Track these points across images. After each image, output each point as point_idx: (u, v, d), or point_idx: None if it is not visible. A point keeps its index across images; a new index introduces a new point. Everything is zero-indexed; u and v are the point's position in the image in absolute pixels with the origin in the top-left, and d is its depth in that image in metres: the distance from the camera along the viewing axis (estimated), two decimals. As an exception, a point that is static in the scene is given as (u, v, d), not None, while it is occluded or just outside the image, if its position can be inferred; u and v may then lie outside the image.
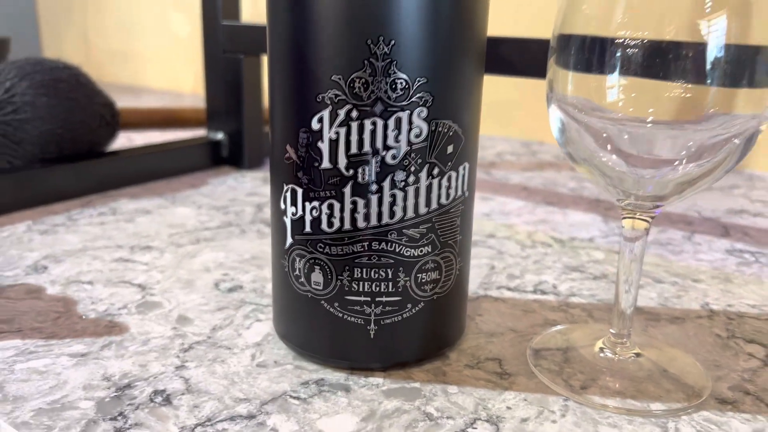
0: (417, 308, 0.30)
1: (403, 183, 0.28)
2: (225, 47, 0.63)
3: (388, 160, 0.28)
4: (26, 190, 0.53)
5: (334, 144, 0.28)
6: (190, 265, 0.43)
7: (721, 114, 0.26)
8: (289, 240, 0.30)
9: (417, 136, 0.28)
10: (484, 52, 0.30)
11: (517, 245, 0.48)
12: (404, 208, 0.28)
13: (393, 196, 0.28)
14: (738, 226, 0.54)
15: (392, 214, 0.28)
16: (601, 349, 0.32)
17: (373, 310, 0.29)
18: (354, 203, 0.28)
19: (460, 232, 0.31)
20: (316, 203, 0.29)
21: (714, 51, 0.25)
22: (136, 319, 0.35)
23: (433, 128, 0.28)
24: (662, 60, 0.26)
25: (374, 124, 0.27)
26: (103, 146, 0.61)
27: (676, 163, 0.28)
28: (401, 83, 0.27)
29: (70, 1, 1.45)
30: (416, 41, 0.27)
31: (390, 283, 0.29)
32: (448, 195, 0.29)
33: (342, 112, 0.27)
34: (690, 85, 0.26)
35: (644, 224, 0.30)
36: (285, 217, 0.30)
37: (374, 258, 0.29)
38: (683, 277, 0.43)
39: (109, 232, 0.48)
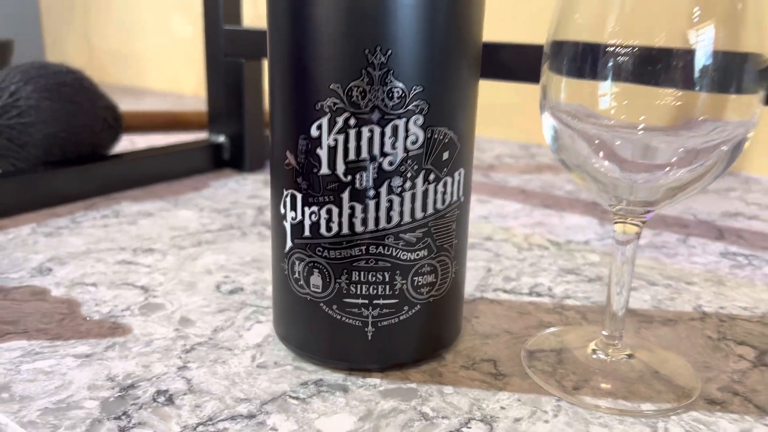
0: (413, 311, 0.31)
1: (399, 189, 0.29)
2: (226, 51, 0.64)
3: (385, 166, 0.28)
4: (30, 192, 0.53)
5: (332, 151, 0.28)
6: (192, 268, 0.43)
7: (711, 120, 0.27)
8: (289, 244, 0.31)
9: (413, 143, 0.28)
10: (479, 60, 0.31)
11: (514, 248, 0.49)
12: (401, 213, 0.29)
13: (390, 201, 0.29)
14: (732, 229, 0.55)
15: (389, 219, 0.29)
16: (594, 351, 0.33)
17: (370, 313, 0.30)
18: (352, 208, 0.29)
19: (456, 236, 0.31)
20: (315, 208, 0.29)
21: (702, 59, 0.26)
22: (139, 321, 0.36)
23: (429, 135, 0.29)
24: (653, 67, 0.26)
25: (372, 131, 0.28)
26: (105, 149, 0.62)
27: (668, 168, 0.28)
28: (398, 92, 0.28)
29: (72, 3, 1.45)
30: (412, 51, 0.27)
31: (387, 286, 0.30)
32: (443, 200, 0.30)
33: (340, 120, 0.28)
34: (680, 93, 0.27)
35: (636, 228, 0.31)
36: (285, 222, 0.31)
37: (372, 262, 0.30)
38: (677, 279, 0.44)
39: (112, 235, 0.49)
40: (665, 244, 0.51)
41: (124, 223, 0.51)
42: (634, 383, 0.31)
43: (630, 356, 0.33)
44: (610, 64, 0.27)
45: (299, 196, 0.30)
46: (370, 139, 0.28)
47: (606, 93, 0.27)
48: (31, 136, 0.55)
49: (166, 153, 0.64)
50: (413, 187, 0.29)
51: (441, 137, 0.29)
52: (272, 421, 0.28)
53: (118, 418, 0.27)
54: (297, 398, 0.29)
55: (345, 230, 0.29)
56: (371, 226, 0.29)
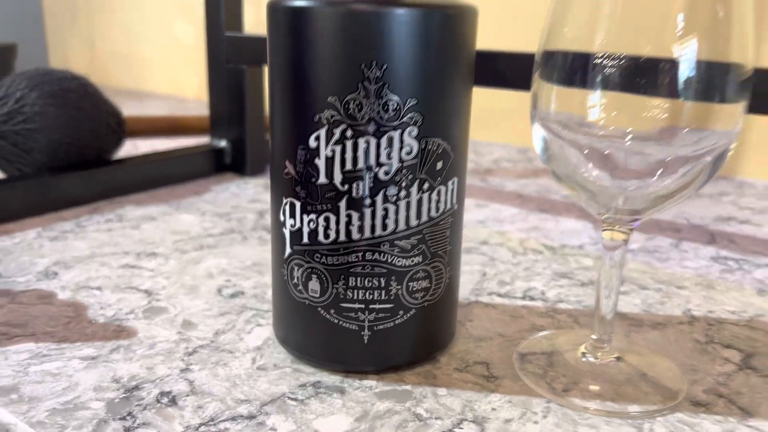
0: (408, 315, 0.32)
1: (395, 197, 0.30)
2: (228, 57, 0.65)
3: (381, 176, 0.29)
4: (36, 197, 0.54)
5: (330, 161, 0.29)
6: (194, 271, 0.44)
7: (696, 130, 0.28)
8: (288, 250, 0.32)
9: (408, 154, 0.29)
10: (472, 72, 0.32)
11: (509, 252, 0.50)
12: (396, 221, 0.30)
13: (385, 209, 0.30)
14: (725, 234, 0.56)
15: (385, 227, 0.30)
16: (583, 354, 0.34)
17: (366, 317, 0.31)
18: (349, 216, 0.30)
19: (450, 243, 0.32)
20: (313, 216, 0.30)
21: (686, 70, 0.27)
22: (143, 324, 0.37)
23: (423, 146, 0.30)
24: (639, 77, 0.27)
25: (368, 142, 0.29)
26: (109, 154, 0.63)
27: (655, 177, 0.29)
28: (393, 104, 0.29)
29: (75, 7, 1.47)
30: (407, 65, 0.28)
31: (383, 292, 0.31)
32: (437, 208, 0.31)
33: (337, 131, 0.29)
34: (667, 104, 0.28)
35: (623, 236, 0.32)
36: (284, 229, 0.32)
37: (368, 268, 0.31)
38: (668, 284, 0.45)
39: (116, 239, 0.50)
40: (658, 249, 0.52)
41: (127, 228, 0.53)
42: (622, 385, 0.32)
43: (618, 359, 0.34)
44: (599, 74, 0.28)
45: (298, 204, 0.31)
46: (366, 150, 0.29)
47: (595, 104, 0.28)
48: (36, 142, 0.56)
49: (168, 157, 0.65)
50: (408, 195, 0.30)
51: (435, 148, 0.30)
52: (271, 421, 0.29)
53: (123, 418, 0.29)
54: (295, 399, 0.30)
55: (342, 237, 0.30)
56: (367, 233, 0.30)
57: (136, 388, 0.31)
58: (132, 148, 0.76)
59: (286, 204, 0.31)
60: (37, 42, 1.53)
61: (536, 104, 0.30)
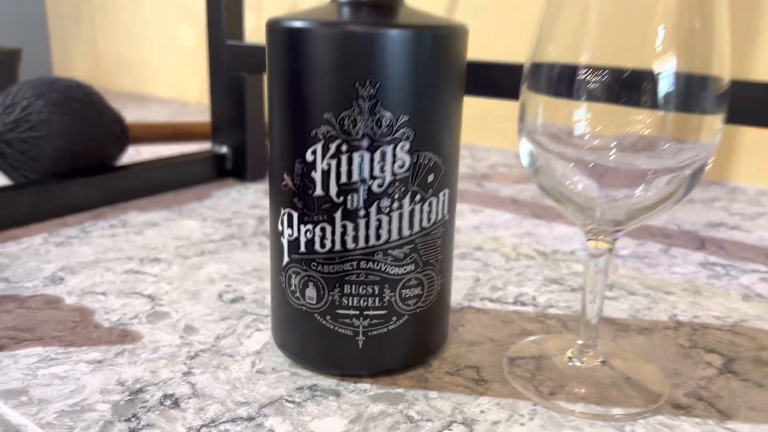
0: (401, 321, 0.33)
1: (388, 209, 0.31)
2: (229, 66, 0.67)
3: (375, 188, 0.31)
4: (42, 203, 0.56)
5: (326, 174, 0.31)
6: (196, 277, 0.46)
7: (678, 143, 0.30)
8: (286, 259, 0.33)
9: (400, 167, 0.31)
10: (462, 88, 0.33)
11: (502, 258, 0.51)
12: (389, 231, 0.31)
13: (379, 220, 0.31)
14: (714, 240, 0.57)
15: (378, 237, 0.31)
16: (570, 358, 0.35)
17: (361, 323, 0.33)
18: (344, 227, 0.31)
19: (441, 252, 0.34)
20: (310, 226, 0.32)
21: (666, 83, 0.28)
22: (147, 329, 0.38)
23: (415, 160, 0.31)
24: (622, 91, 0.29)
25: (362, 156, 0.30)
26: (113, 160, 0.64)
27: (639, 190, 0.31)
28: (386, 120, 0.30)
29: (79, 11, 1.48)
30: (399, 83, 0.30)
31: (377, 299, 0.32)
32: (429, 219, 0.32)
33: (333, 146, 0.30)
34: (650, 118, 0.29)
35: (607, 245, 0.33)
36: (282, 238, 0.33)
37: (362, 276, 0.32)
38: (656, 289, 0.46)
39: (120, 244, 0.51)
40: (648, 254, 0.53)
41: (131, 233, 0.54)
42: (606, 389, 0.33)
43: (604, 363, 0.35)
44: (583, 88, 0.29)
45: (296, 215, 0.32)
46: (361, 164, 0.30)
47: (581, 118, 0.30)
48: (42, 149, 0.57)
49: (170, 164, 0.67)
50: (400, 207, 0.31)
51: (426, 161, 0.31)
52: (270, 423, 0.30)
53: (128, 420, 0.30)
54: (293, 402, 0.32)
55: (338, 247, 0.32)
56: (362, 243, 0.31)
57: (141, 390, 0.32)
58: (135, 153, 0.78)
59: (284, 214, 0.33)
60: (40, 46, 1.54)
61: (523, 117, 0.32)
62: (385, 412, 0.31)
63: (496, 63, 0.51)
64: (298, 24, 0.30)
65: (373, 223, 0.31)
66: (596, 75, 0.29)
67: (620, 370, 0.35)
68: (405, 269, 0.32)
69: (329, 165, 0.31)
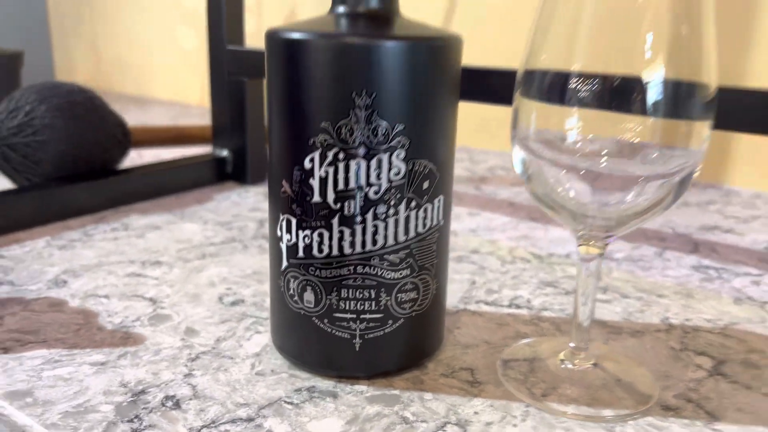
0: (397, 324, 0.34)
1: (384, 215, 0.32)
2: (230, 70, 0.68)
3: (371, 195, 0.32)
4: (45, 206, 0.57)
5: (323, 181, 0.32)
6: (197, 280, 0.47)
7: (667, 150, 0.30)
8: (285, 263, 0.34)
9: (396, 175, 0.32)
10: (457, 97, 0.34)
11: (498, 261, 0.52)
12: (385, 237, 0.32)
13: (375, 226, 0.32)
14: (708, 243, 0.58)
15: (375, 242, 0.32)
16: (562, 361, 0.36)
17: (358, 326, 0.33)
18: (341, 232, 0.32)
19: (437, 256, 0.35)
20: (308, 232, 0.33)
21: (654, 90, 0.29)
22: (149, 331, 0.39)
23: (411, 167, 0.32)
24: (612, 98, 0.29)
25: (358, 164, 0.31)
26: (115, 164, 0.65)
27: (630, 195, 0.31)
28: (382, 129, 0.31)
29: (80, 14, 1.49)
30: (395, 93, 0.30)
31: (373, 302, 0.33)
32: (424, 224, 0.33)
33: (330, 154, 0.31)
34: (640, 127, 0.30)
35: (598, 250, 0.34)
36: (281, 243, 0.34)
37: (359, 280, 0.33)
38: (649, 292, 0.47)
39: (122, 248, 0.52)
40: (642, 257, 0.54)
41: (132, 236, 0.55)
42: (597, 391, 0.34)
43: (595, 365, 0.36)
44: (574, 96, 0.30)
45: (294, 221, 0.33)
46: (357, 171, 0.31)
47: (572, 126, 0.31)
48: (45, 153, 0.58)
49: (172, 167, 0.68)
50: (396, 213, 0.32)
51: (421, 169, 0.32)
52: (269, 424, 0.31)
53: (131, 420, 0.31)
54: (291, 403, 0.32)
55: (335, 252, 0.32)
56: (358, 248, 0.32)
57: (143, 392, 0.33)
58: (137, 156, 0.79)
59: (283, 220, 0.33)
60: (42, 48, 1.55)
61: (516, 123, 0.32)
62: (381, 414, 0.32)
63: (493, 69, 0.52)
64: (296, 35, 0.31)
65: (370, 229, 0.32)
66: (587, 83, 0.29)
67: (612, 372, 0.36)
68: (401, 274, 0.33)
69: (327, 172, 0.31)
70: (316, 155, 0.31)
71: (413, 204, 0.32)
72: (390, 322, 0.34)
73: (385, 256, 0.33)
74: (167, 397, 0.33)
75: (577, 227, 0.33)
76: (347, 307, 0.33)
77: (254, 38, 1.16)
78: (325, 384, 0.34)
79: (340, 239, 0.32)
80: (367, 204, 0.32)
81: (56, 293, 0.44)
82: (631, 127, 0.30)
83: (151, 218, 0.60)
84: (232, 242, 0.54)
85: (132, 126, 0.69)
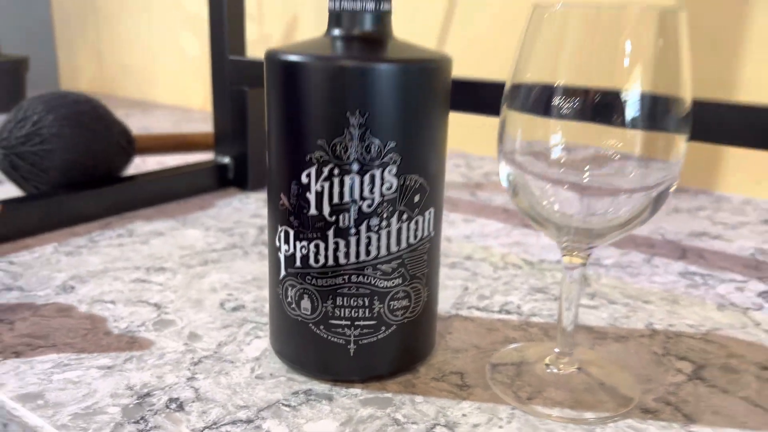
0: (390, 330, 0.36)
1: (377, 227, 0.34)
2: (231, 80, 0.69)
3: (365, 208, 0.33)
4: (52, 213, 0.59)
5: (319, 195, 0.33)
6: (200, 286, 0.48)
7: (645, 163, 0.32)
8: (283, 272, 0.36)
9: (388, 189, 0.33)
10: (447, 115, 0.35)
11: (491, 267, 0.54)
12: (378, 248, 0.34)
13: (369, 237, 0.34)
14: (696, 249, 0.59)
15: (368, 253, 0.34)
16: (547, 365, 0.38)
17: (352, 332, 0.35)
18: (336, 243, 0.34)
19: (427, 266, 0.36)
20: (305, 243, 0.34)
21: (633, 105, 0.30)
22: (153, 336, 0.41)
23: (402, 182, 0.34)
24: (594, 112, 0.31)
25: (352, 179, 0.33)
26: (119, 171, 0.67)
27: (612, 208, 0.33)
28: (375, 147, 0.32)
29: (85, 20, 1.51)
30: (387, 113, 0.32)
31: (367, 310, 0.35)
32: (415, 236, 0.35)
33: (326, 170, 0.33)
34: (621, 144, 0.32)
35: (581, 260, 0.35)
36: (279, 253, 0.36)
37: (353, 289, 0.34)
38: (635, 298, 0.49)
39: (127, 254, 0.54)
40: (630, 264, 0.55)
41: (137, 243, 0.57)
42: (581, 394, 0.36)
43: (580, 369, 0.37)
44: (559, 109, 0.31)
45: (292, 233, 0.35)
46: (351, 186, 0.33)
47: (557, 142, 0.32)
48: (52, 162, 0.60)
49: (175, 174, 0.69)
50: (388, 225, 0.34)
51: (412, 183, 0.34)
52: (267, 425, 0.33)
53: (137, 422, 0.32)
54: (289, 406, 0.34)
55: (330, 262, 0.34)
56: (353, 258, 0.34)
57: (148, 395, 0.35)
58: (141, 163, 0.80)
59: (281, 232, 0.35)
60: (47, 54, 1.57)
61: (503, 137, 0.34)
62: (373, 416, 0.34)
63: (484, 82, 0.53)
64: (294, 57, 0.32)
65: (363, 240, 0.34)
66: (570, 98, 0.31)
67: (595, 376, 0.38)
68: (393, 282, 0.35)
69: (322, 187, 0.33)
70: (313, 171, 0.33)
71: (405, 216, 0.34)
72: (383, 328, 0.35)
73: (378, 266, 0.34)
74: (171, 400, 0.34)
75: (560, 239, 0.35)
76: (342, 315, 0.35)
77: (256, 45, 1.17)
78: (321, 387, 0.36)
79: (336, 250, 0.34)
80: (361, 217, 0.33)
81: (64, 299, 0.46)
82: (613, 143, 0.32)
83: (155, 224, 0.61)
84: (233, 248, 0.56)
85: (136, 134, 0.70)
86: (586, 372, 0.38)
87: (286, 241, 0.35)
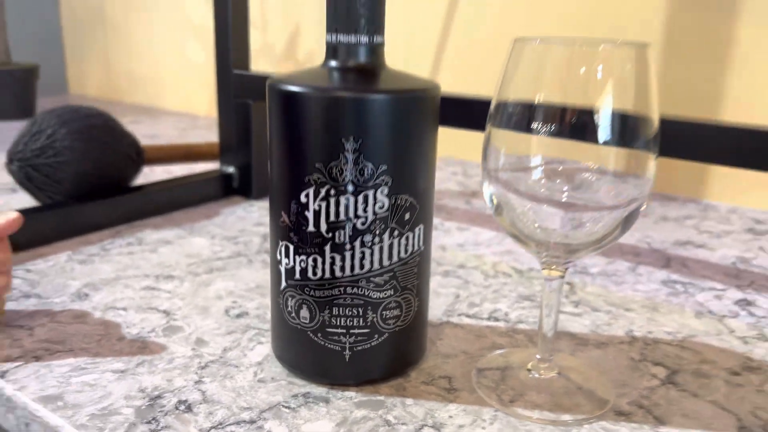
0: (383, 338, 0.38)
1: (370, 243, 0.37)
2: (236, 93, 0.72)
3: (359, 226, 0.36)
4: (66, 222, 0.62)
5: (317, 213, 0.36)
6: (206, 293, 0.51)
7: (622, 182, 0.35)
8: (284, 284, 0.39)
9: (380, 208, 0.36)
10: (435, 139, 0.38)
11: (482, 275, 0.56)
12: (371, 262, 0.37)
13: (362, 252, 0.37)
14: (680, 258, 0.62)
15: (362, 267, 0.37)
16: (529, 370, 0.40)
17: (347, 340, 0.38)
18: (333, 258, 0.37)
19: (418, 278, 0.39)
20: (303, 257, 0.37)
21: (605, 126, 0.33)
22: (163, 341, 0.44)
23: (393, 201, 0.36)
24: (573, 129, 0.34)
25: (347, 199, 0.36)
26: (129, 181, 0.70)
27: (587, 225, 0.36)
28: (368, 170, 0.35)
29: (93, 28, 1.54)
30: (379, 139, 0.35)
31: (361, 319, 0.38)
32: (406, 250, 0.38)
33: (323, 190, 0.36)
34: (597, 166, 0.35)
35: (559, 273, 0.38)
36: (280, 266, 0.39)
37: (348, 299, 0.37)
38: (618, 306, 0.51)
39: (137, 262, 0.57)
40: (616, 272, 0.58)
41: (146, 251, 0.59)
42: (560, 397, 0.39)
43: (560, 374, 0.40)
44: (539, 126, 0.34)
45: (292, 247, 0.37)
46: (347, 206, 0.36)
47: (538, 162, 0.35)
48: (65, 173, 0.63)
49: (182, 183, 0.72)
50: (381, 241, 0.37)
51: (403, 202, 0.37)
52: (269, 425, 0.35)
53: (149, 422, 0.35)
54: (289, 407, 0.37)
55: (327, 275, 0.37)
56: (348, 272, 0.37)
57: (159, 397, 0.38)
58: (149, 172, 0.83)
59: (282, 246, 0.38)
60: (56, 62, 1.60)
61: (486, 155, 0.37)
62: (367, 417, 0.36)
63: (476, 99, 0.56)
64: (294, 88, 0.35)
65: (358, 255, 0.37)
66: (546, 127, 0.34)
67: (574, 380, 0.40)
68: (385, 294, 0.38)
69: (320, 206, 0.36)
70: (311, 191, 0.36)
71: (396, 233, 0.37)
72: (376, 336, 0.38)
73: (371, 279, 0.37)
74: (180, 402, 0.37)
75: (541, 254, 0.37)
76: (338, 323, 0.38)
77: (259, 54, 1.20)
78: (318, 390, 0.39)
79: (332, 264, 0.37)
80: (356, 233, 0.36)
81: (79, 305, 0.48)
82: (589, 165, 0.35)
83: (163, 233, 0.64)
84: (237, 256, 0.59)
85: (145, 145, 0.73)
86: (565, 377, 0.40)
87: (287, 255, 0.38)
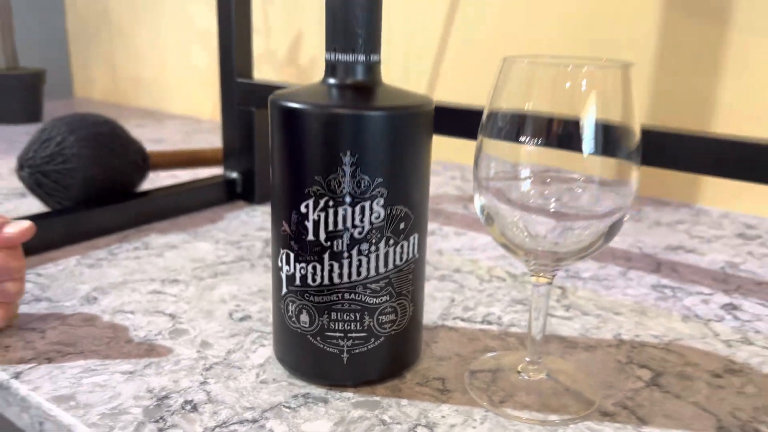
0: (379, 341, 0.40)
1: (367, 251, 0.38)
2: (239, 101, 0.74)
3: (356, 235, 0.38)
4: (74, 227, 0.64)
5: (316, 223, 0.38)
6: (210, 297, 0.53)
7: (608, 191, 0.37)
8: (284, 290, 0.40)
9: (377, 218, 0.38)
10: (429, 152, 0.40)
11: (477, 279, 0.58)
12: (368, 269, 0.39)
13: (360, 260, 0.39)
14: (670, 262, 0.64)
15: (359, 273, 0.39)
16: (519, 372, 0.42)
17: (345, 343, 0.40)
18: (331, 265, 0.39)
19: (413, 284, 0.41)
20: (303, 264, 0.39)
21: (589, 138, 0.35)
22: (169, 344, 0.46)
23: (389, 212, 0.38)
24: (561, 139, 0.35)
25: (345, 210, 0.38)
26: (135, 187, 0.72)
27: (574, 234, 0.38)
28: (365, 182, 0.37)
29: (98, 33, 1.56)
30: (375, 153, 0.37)
31: (358, 323, 0.40)
32: (401, 258, 0.40)
33: (322, 202, 0.38)
34: (583, 179, 0.36)
35: (547, 280, 0.40)
36: (281, 273, 0.40)
37: (346, 305, 0.39)
38: (607, 310, 0.53)
39: (143, 266, 0.59)
40: (607, 277, 0.60)
41: (152, 255, 0.61)
42: (548, 398, 0.40)
43: (548, 376, 0.42)
44: (528, 137, 0.36)
45: (292, 255, 0.39)
46: (344, 216, 0.38)
47: (527, 174, 0.37)
48: (74, 179, 0.65)
49: (186, 189, 0.74)
50: (377, 249, 0.39)
51: (398, 213, 0.39)
52: (270, 425, 0.37)
53: (157, 421, 0.37)
54: (289, 407, 0.39)
55: (326, 281, 0.39)
56: (346, 278, 0.39)
57: (166, 397, 0.40)
58: (154, 177, 0.85)
59: (283, 254, 0.40)
60: (62, 66, 1.63)
61: (478, 164, 0.38)
62: (363, 417, 0.38)
63: (474, 109, 0.58)
64: (294, 105, 0.37)
65: (355, 263, 0.38)
66: (537, 135, 0.36)
67: (562, 382, 0.42)
68: (381, 299, 0.40)
69: (319, 216, 0.38)
70: (310, 202, 0.38)
71: (391, 242, 0.39)
72: (373, 339, 0.40)
73: (368, 285, 0.39)
74: (186, 402, 0.39)
75: (529, 261, 0.39)
76: (336, 327, 0.40)
77: (262, 59, 1.22)
78: (318, 391, 0.41)
79: (330, 271, 0.39)
80: (353, 242, 0.38)
81: (88, 309, 0.50)
82: (576, 176, 0.37)
83: (169, 237, 0.66)
84: (240, 261, 0.61)
85: (150, 151, 0.75)
86: (554, 378, 0.42)
87: (287, 263, 0.40)
